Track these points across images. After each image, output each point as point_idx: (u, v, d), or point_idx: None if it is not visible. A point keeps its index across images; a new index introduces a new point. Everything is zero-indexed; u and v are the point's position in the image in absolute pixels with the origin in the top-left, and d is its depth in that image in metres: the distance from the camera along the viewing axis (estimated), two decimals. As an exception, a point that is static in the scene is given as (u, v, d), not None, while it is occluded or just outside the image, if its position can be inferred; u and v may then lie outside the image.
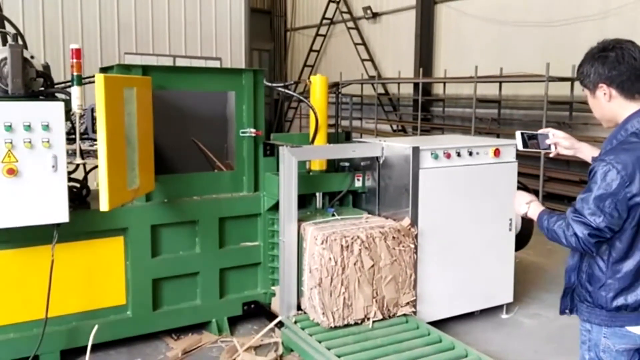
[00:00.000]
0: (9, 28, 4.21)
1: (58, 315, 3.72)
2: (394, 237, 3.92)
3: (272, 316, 4.20)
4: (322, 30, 17.45)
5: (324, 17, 17.15)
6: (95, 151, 4.45)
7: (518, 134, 2.57)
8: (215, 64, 10.98)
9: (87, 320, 3.83)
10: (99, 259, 3.89)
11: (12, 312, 3.64)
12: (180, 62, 10.53)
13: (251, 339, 4.06)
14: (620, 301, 2.20)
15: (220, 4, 11.41)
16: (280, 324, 4.04)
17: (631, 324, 2.22)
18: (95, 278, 3.89)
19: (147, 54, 10.64)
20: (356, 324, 3.86)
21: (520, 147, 2.55)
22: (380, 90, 14.73)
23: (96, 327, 3.66)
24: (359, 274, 3.80)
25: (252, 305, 4.40)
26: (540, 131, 2.59)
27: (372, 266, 3.84)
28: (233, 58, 11.55)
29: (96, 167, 4.15)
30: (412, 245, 4.02)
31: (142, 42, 10.77)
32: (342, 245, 3.73)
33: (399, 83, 14.09)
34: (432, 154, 4.15)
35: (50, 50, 9.54)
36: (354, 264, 3.78)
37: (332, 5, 16.82)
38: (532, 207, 2.42)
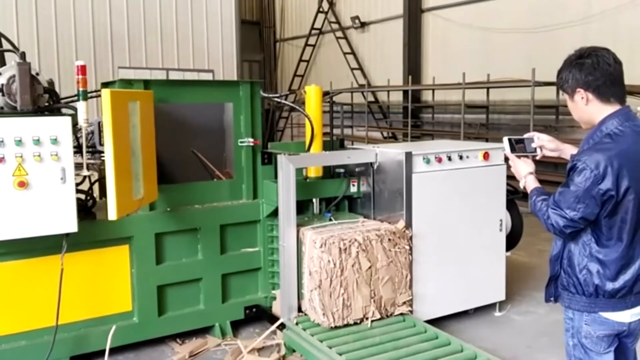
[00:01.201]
0: (5, 45, 4.35)
1: (67, 322, 3.84)
2: (389, 239, 4.08)
3: (273, 319, 4.34)
4: (312, 40, 17.69)
5: (312, 27, 17.39)
6: (94, 164, 4.62)
7: (505, 139, 2.71)
8: (208, 76, 11.15)
9: (95, 326, 3.97)
10: (106, 267, 4.02)
11: (23, 320, 3.76)
12: (173, 75, 10.69)
13: (254, 341, 4.19)
14: (598, 287, 2.38)
15: (211, 17, 11.60)
16: (281, 326, 4.18)
17: (608, 310, 2.41)
18: (102, 286, 4.02)
19: (140, 67, 10.78)
20: (355, 323, 4.00)
21: (508, 152, 2.68)
22: (370, 98, 14.94)
23: (114, 327, 3.81)
24: (357, 275, 3.95)
25: (254, 309, 4.54)
26: (525, 135, 2.75)
27: (370, 267, 3.99)
28: (225, 70, 11.72)
29: (100, 179, 4.32)
30: (407, 247, 4.18)
31: (135, 55, 10.92)
32: (340, 248, 3.88)
33: (388, 91, 14.31)
34: (424, 158, 4.32)
35: (45, 65, 9.66)
36: (352, 266, 3.93)
37: (321, 16, 17.07)
38: (528, 182, 2.60)
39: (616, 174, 2.27)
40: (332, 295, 3.90)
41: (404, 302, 4.21)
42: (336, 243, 3.89)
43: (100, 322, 3.99)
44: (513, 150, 2.68)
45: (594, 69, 2.36)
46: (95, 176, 4.49)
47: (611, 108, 2.40)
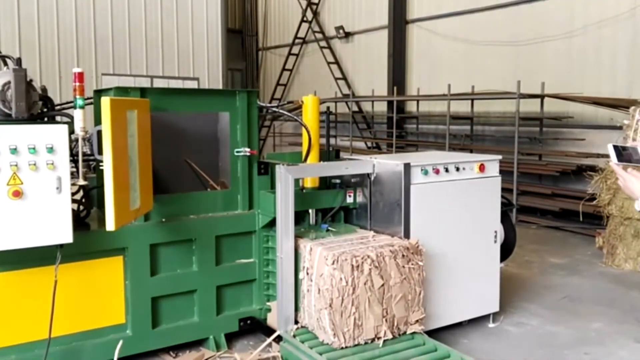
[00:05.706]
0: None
1: (59, 335, 3.73)
2: (403, 255, 3.96)
3: (268, 331, 4.28)
4: (295, 50, 17.68)
5: (296, 37, 17.39)
6: (85, 172, 4.51)
7: (610, 146, 2.41)
8: (193, 84, 11.08)
9: (88, 339, 3.87)
10: (99, 278, 3.92)
11: (13, 333, 3.65)
12: (158, 83, 10.61)
13: (249, 354, 4.12)
14: None
15: (197, 25, 11.55)
16: (278, 339, 4.11)
17: None
18: (95, 298, 3.92)
19: (124, 74, 10.68)
20: (366, 343, 3.86)
21: (615, 161, 2.39)
22: (354, 108, 14.97)
23: (121, 342, 3.75)
24: (369, 294, 3.81)
25: (248, 321, 4.47)
26: (629, 144, 2.48)
27: (382, 285, 3.86)
28: (210, 78, 11.66)
29: (93, 188, 4.23)
30: (421, 263, 4.05)
31: (119, 62, 10.82)
32: (352, 265, 3.74)
33: (373, 101, 14.36)
34: (422, 170, 4.31)
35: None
36: (365, 284, 3.79)
37: (305, 25, 17.09)
38: None
39: None
40: (344, 314, 3.75)
41: (417, 321, 4.06)
42: (348, 260, 3.74)
43: (92, 335, 3.89)
44: (620, 159, 2.37)
45: None
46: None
47: None
